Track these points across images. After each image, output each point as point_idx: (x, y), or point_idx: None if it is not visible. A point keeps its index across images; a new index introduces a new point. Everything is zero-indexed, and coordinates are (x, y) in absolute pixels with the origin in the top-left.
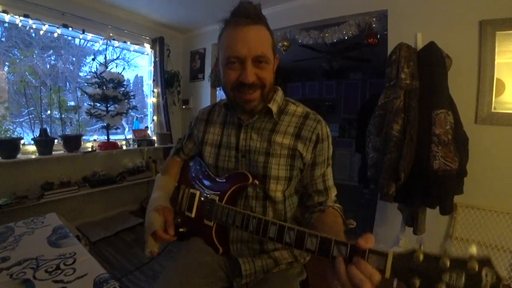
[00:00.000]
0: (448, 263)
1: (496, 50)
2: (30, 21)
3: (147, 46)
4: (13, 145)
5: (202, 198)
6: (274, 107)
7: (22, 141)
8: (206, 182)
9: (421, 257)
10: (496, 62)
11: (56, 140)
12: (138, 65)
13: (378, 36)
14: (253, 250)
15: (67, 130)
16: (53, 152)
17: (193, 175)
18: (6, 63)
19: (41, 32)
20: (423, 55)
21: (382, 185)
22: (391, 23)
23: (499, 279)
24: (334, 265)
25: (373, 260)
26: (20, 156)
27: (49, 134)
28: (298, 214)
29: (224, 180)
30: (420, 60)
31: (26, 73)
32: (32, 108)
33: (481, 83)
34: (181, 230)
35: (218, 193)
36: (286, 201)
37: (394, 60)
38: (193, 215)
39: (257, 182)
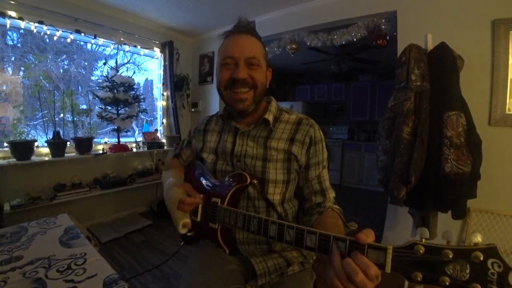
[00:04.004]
0: (451, 254)
1: (510, 50)
2: (45, 27)
3: (157, 50)
4: (27, 147)
5: (206, 202)
6: (270, 117)
7: (36, 144)
8: (209, 186)
9: (422, 249)
10: (510, 62)
11: (68, 143)
12: (148, 68)
13: (387, 37)
14: (261, 250)
15: (79, 132)
16: (66, 154)
17: (196, 180)
18: (22, 68)
19: (55, 38)
20: (434, 56)
21: (392, 188)
22: (401, 24)
23: (507, 268)
24: (330, 258)
25: (373, 255)
26: (34, 158)
27: (62, 136)
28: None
29: (224, 183)
30: (430, 61)
31: (40, 77)
32: (46, 111)
33: (495, 84)
34: (188, 234)
35: (220, 195)
36: (285, 204)
37: (404, 61)
38: (198, 218)
39: (256, 182)
